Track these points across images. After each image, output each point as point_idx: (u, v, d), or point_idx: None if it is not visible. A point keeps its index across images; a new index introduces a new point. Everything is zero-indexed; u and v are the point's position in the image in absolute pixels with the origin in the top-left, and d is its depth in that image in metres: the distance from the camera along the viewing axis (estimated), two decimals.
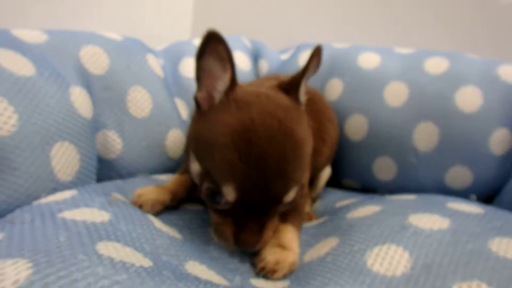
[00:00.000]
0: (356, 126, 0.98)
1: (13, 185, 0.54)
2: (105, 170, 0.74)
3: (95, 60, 0.74)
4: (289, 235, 0.62)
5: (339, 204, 0.86)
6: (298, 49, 1.14)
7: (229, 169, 0.50)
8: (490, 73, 0.90)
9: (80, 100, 0.67)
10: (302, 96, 0.59)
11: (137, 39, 0.89)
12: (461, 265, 0.48)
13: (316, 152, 0.78)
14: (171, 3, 1.37)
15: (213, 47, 0.52)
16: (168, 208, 0.65)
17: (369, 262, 0.51)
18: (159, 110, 0.83)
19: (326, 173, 0.96)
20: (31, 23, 0.75)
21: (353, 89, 0.99)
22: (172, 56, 1.00)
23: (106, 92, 0.74)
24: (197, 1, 1.49)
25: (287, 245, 0.60)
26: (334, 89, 1.02)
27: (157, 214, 0.62)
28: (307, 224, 0.75)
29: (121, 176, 0.76)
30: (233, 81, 0.55)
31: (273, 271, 0.55)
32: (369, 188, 1.00)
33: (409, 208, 0.67)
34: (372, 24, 1.27)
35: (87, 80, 0.72)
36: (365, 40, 1.18)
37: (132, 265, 0.38)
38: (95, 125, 0.72)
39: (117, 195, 0.59)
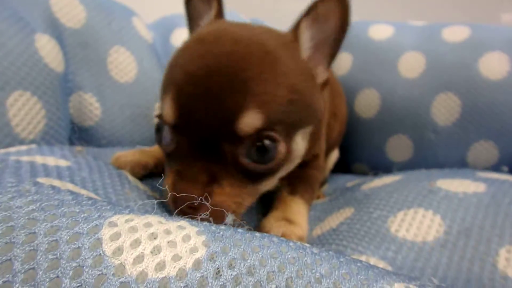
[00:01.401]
0: (367, 101, 0.89)
1: None
2: (80, 139, 0.65)
3: (69, 10, 0.65)
4: (297, 208, 0.54)
5: (350, 183, 0.76)
6: None
7: (169, 77, 0.40)
8: None
9: (48, 49, 0.58)
10: (305, 42, 0.45)
11: (120, 2, 0.80)
12: (508, 227, 0.40)
13: (328, 127, 0.70)
14: None
15: None
16: (153, 174, 0.55)
17: (393, 228, 0.43)
18: (146, 76, 0.74)
19: (334, 155, 0.86)
20: None
21: (363, 62, 0.91)
22: (163, 28, 0.92)
23: (82, 49, 0.65)
24: None
25: (293, 219, 0.51)
26: (342, 64, 0.94)
27: (138, 179, 0.53)
28: (315, 201, 0.66)
29: (100, 146, 0.66)
30: (218, 16, 0.48)
31: None
32: (383, 171, 0.90)
33: (434, 175, 0.59)
34: (381, 3, 1.20)
35: (58, 32, 0.63)
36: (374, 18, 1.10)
37: (84, 195, 0.28)
38: (69, 85, 0.63)
39: (83, 149, 0.50)
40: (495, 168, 0.80)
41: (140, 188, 0.44)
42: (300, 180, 0.58)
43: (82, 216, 0.24)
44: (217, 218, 0.35)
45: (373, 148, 0.90)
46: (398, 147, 0.87)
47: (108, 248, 0.22)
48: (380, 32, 0.93)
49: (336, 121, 0.77)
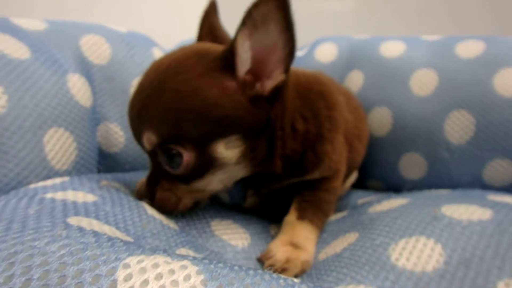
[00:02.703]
0: (380, 120, 0.89)
1: (3, 169, 0.51)
2: (107, 164, 0.72)
3: (96, 49, 0.72)
4: (305, 233, 0.56)
5: (361, 200, 0.77)
6: (315, 43, 1.08)
7: None
8: None
9: (77, 87, 0.64)
10: (244, 53, 0.46)
11: (143, 34, 0.87)
12: (509, 259, 0.40)
13: (354, 150, 0.71)
14: (183, 2, 1.36)
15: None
16: None
17: (394, 256, 0.44)
18: None
19: (353, 176, 0.88)
20: (34, 17, 0.74)
21: (375, 80, 0.91)
22: None
23: (108, 83, 0.72)
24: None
25: (300, 244, 0.54)
26: (354, 82, 0.95)
27: None
28: None
29: (125, 170, 0.73)
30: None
31: (283, 270, 0.48)
32: (396, 189, 0.90)
33: (441, 199, 0.59)
34: (395, 16, 1.20)
35: (87, 69, 0.70)
36: (387, 33, 1.10)
37: (105, 234, 0.33)
38: (96, 116, 0.70)
39: (109, 182, 0.56)
40: None
41: (156, 218, 0.49)
42: (310, 204, 0.60)
43: (102, 258, 0.29)
44: (165, 206, 0.53)
45: (386, 166, 0.90)
46: (412, 165, 0.87)
47: None
48: (392, 49, 0.94)
49: (361, 144, 0.79)
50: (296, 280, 0.31)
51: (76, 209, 0.40)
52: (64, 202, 0.41)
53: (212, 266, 0.30)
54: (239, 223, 0.60)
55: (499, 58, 0.80)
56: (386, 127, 0.89)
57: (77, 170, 0.61)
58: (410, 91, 0.86)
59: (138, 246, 0.32)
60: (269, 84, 0.48)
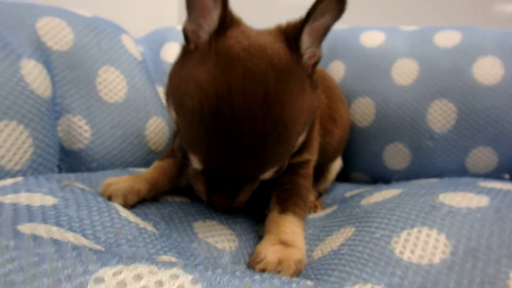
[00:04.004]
0: (362, 111, 0.88)
1: None
2: (70, 162, 0.63)
3: (55, 33, 0.63)
4: (291, 228, 0.52)
5: (349, 193, 0.74)
6: None
7: (194, 142, 0.44)
8: (509, 42, 0.80)
9: (34, 75, 0.56)
10: (306, 51, 0.47)
11: (109, 20, 0.79)
12: None
13: (326, 132, 0.68)
14: None
15: None
16: (145, 201, 0.54)
17: (398, 249, 0.42)
18: (136, 95, 0.72)
19: (337, 165, 0.85)
20: None
21: (356, 70, 0.90)
22: (153, 42, 0.91)
23: (70, 71, 0.64)
24: None
25: (289, 241, 0.49)
26: (335, 72, 0.93)
27: (130, 207, 0.50)
28: (313, 216, 0.64)
29: (91, 170, 0.65)
30: (223, 22, 0.45)
31: (276, 273, 0.43)
32: (381, 180, 0.89)
33: (436, 188, 0.57)
34: (372, 6, 1.19)
35: (45, 56, 0.61)
36: (365, 23, 1.09)
37: (69, 242, 0.26)
38: (57, 109, 0.62)
39: (72, 182, 0.48)
40: (495, 173, 0.79)
41: (131, 221, 0.42)
42: (290, 194, 0.56)
43: (65, 273, 0.22)
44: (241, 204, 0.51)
45: (370, 157, 0.89)
46: (396, 155, 0.86)
47: None
48: (372, 39, 0.93)
49: (336, 127, 0.74)
50: (309, 282, 0.27)
51: (30, 214, 0.33)
52: (15, 207, 0.34)
53: (209, 273, 0.25)
54: (224, 222, 0.54)
55: (475, 47, 0.81)
56: (369, 117, 0.87)
57: (34, 169, 0.53)
58: (392, 81, 0.85)
59: (113, 254, 0.26)
60: (312, 61, 0.49)
